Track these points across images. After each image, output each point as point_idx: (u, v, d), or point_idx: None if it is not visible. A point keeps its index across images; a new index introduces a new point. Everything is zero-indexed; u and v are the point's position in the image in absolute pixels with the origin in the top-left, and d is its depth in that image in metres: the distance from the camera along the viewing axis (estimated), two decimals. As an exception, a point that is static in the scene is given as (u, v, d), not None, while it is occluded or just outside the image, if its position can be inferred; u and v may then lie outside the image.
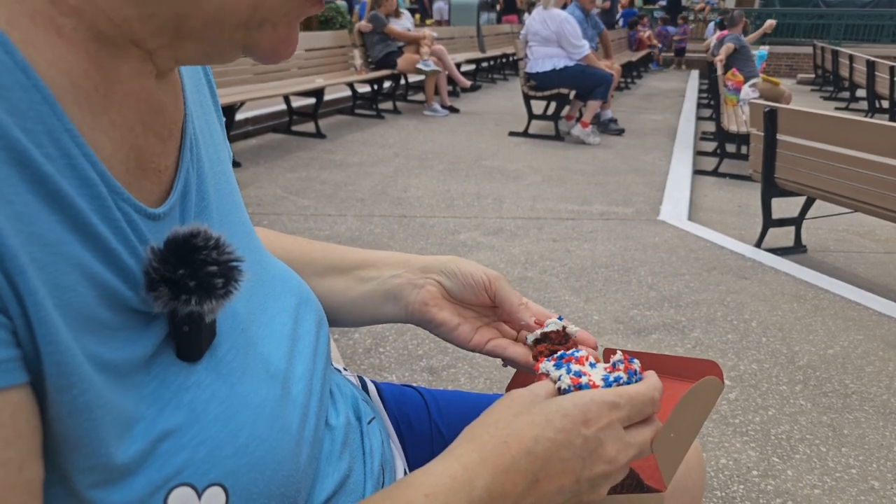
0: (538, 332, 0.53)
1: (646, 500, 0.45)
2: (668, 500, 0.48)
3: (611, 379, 0.45)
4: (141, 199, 0.35)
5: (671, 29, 12.71)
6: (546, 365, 0.47)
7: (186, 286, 0.33)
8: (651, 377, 0.46)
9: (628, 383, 0.45)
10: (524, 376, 0.59)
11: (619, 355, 0.47)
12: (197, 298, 0.33)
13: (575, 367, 0.45)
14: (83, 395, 0.29)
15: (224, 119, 0.53)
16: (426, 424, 0.66)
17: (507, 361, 0.56)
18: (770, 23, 7.42)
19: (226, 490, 0.34)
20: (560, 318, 0.53)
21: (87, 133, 0.31)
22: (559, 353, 0.48)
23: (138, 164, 0.35)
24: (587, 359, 0.47)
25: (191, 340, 0.35)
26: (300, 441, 0.41)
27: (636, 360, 0.47)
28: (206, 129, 0.45)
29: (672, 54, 12.40)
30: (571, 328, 0.53)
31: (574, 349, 0.49)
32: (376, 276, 0.59)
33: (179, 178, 0.38)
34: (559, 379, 0.45)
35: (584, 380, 0.44)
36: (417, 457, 0.64)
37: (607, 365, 0.47)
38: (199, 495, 0.33)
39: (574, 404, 0.41)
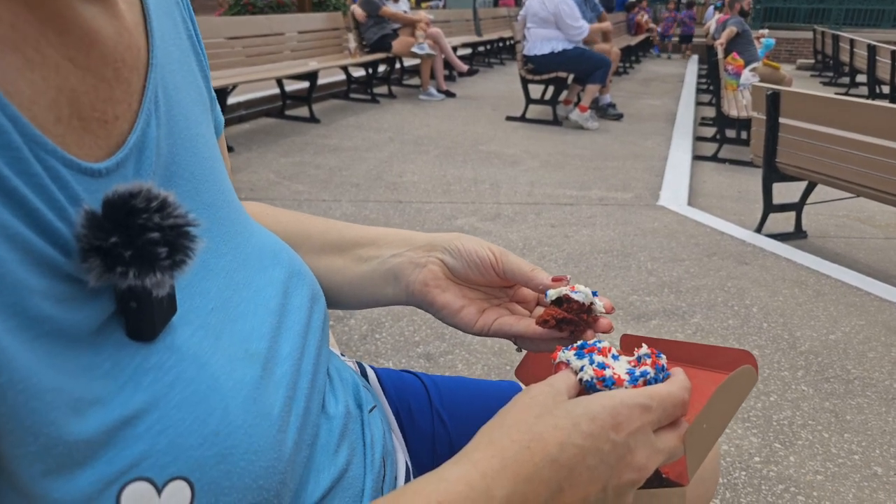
0: (563, 290, 0.48)
1: (668, 496, 0.41)
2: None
3: (637, 374, 0.41)
4: (80, 153, 0.30)
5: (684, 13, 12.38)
6: (566, 354, 0.43)
7: (121, 256, 0.28)
8: (679, 375, 0.42)
9: (655, 379, 0.41)
10: (535, 360, 0.55)
11: (644, 349, 0.43)
12: (135, 271, 0.28)
13: (598, 358, 0.41)
14: None
15: (214, 90, 0.48)
16: (427, 413, 0.63)
17: (518, 340, 0.52)
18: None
19: (191, 484, 0.31)
20: (595, 294, 0.49)
21: None
22: (580, 342, 0.44)
23: (74, 112, 0.30)
24: (609, 350, 0.43)
25: (141, 318, 0.31)
26: (284, 427, 0.37)
27: (663, 355, 0.43)
28: (185, 87, 0.41)
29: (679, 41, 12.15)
30: (599, 306, 0.49)
31: (595, 340, 0.45)
32: (376, 256, 0.55)
33: (136, 129, 0.33)
34: (581, 370, 0.41)
35: (608, 373, 0.40)
36: (419, 448, 0.61)
37: (631, 358, 0.43)
38: (159, 491, 0.30)
39: (603, 407, 0.37)
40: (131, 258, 0.28)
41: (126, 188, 0.29)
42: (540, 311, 0.53)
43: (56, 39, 0.29)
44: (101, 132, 0.32)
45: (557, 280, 0.50)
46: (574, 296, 0.48)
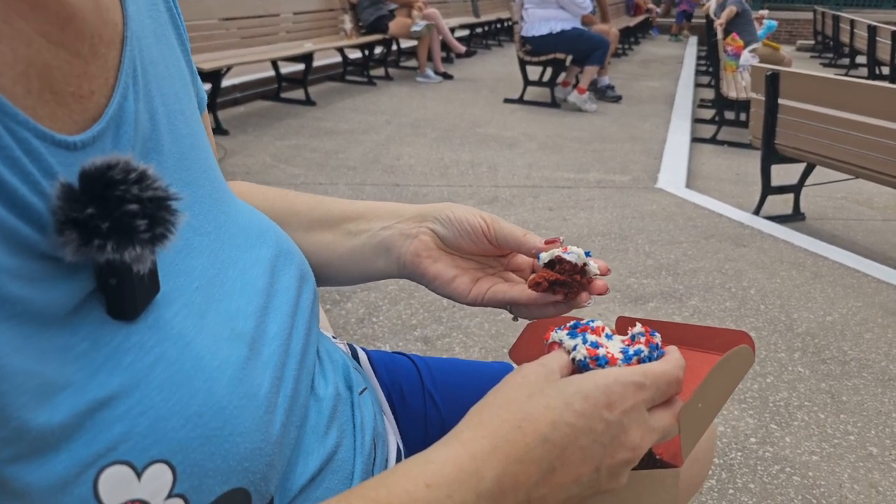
0: (555, 252, 0.47)
1: (662, 477, 0.41)
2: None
3: (630, 352, 0.40)
4: (54, 127, 0.29)
5: None
6: (558, 334, 0.42)
7: (98, 229, 0.27)
8: (674, 353, 0.41)
9: (649, 358, 0.40)
10: (529, 340, 0.54)
11: (638, 328, 0.42)
12: (114, 244, 0.27)
13: (591, 337, 0.41)
14: None
15: (194, 63, 0.47)
16: (419, 395, 0.62)
17: (513, 308, 0.51)
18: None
19: (172, 467, 0.30)
20: (588, 254, 0.48)
21: None
22: (573, 322, 0.43)
23: (47, 86, 0.29)
24: (603, 330, 0.42)
25: (122, 295, 0.30)
26: (271, 408, 0.36)
27: (657, 334, 0.43)
28: (163, 61, 0.39)
29: (685, 21, 11.93)
30: (593, 267, 0.47)
31: (589, 319, 0.44)
32: (366, 229, 0.54)
33: (112, 103, 0.32)
34: (574, 349, 0.40)
35: (601, 352, 0.40)
36: (411, 430, 0.60)
37: (625, 337, 0.42)
38: (139, 474, 0.29)
39: (596, 385, 0.36)
40: (109, 230, 0.27)
41: (104, 160, 0.28)
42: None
43: (29, 13, 0.28)
44: (76, 107, 0.30)
45: (550, 242, 0.49)
46: (566, 257, 0.47)
